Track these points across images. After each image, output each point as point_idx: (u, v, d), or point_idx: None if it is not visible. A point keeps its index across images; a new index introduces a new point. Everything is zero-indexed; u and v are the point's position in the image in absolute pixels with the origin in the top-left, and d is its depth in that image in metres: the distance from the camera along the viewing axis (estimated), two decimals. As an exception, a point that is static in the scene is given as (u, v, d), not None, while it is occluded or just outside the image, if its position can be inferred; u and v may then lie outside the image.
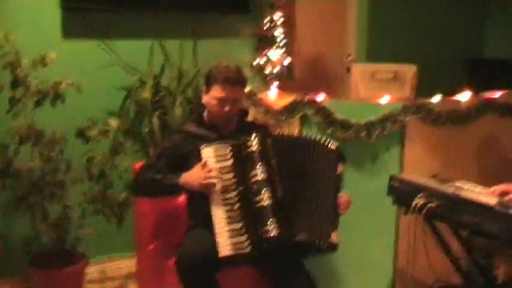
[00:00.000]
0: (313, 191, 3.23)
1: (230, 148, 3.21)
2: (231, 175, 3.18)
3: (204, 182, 3.15)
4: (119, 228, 4.08)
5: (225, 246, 3.09)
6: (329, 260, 3.78)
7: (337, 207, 3.26)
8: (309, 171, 3.25)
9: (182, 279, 3.18)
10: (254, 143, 3.17)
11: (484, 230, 2.98)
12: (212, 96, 3.38)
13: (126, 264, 4.65)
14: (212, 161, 3.19)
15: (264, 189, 3.13)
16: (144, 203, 3.72)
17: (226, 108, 3.36)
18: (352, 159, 3.89)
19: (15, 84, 3.80)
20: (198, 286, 3.18)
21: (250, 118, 4.02)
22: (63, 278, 3.98)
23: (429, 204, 3.22)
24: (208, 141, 3.29)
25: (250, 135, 3.20)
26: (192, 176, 3.21)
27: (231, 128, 3.49)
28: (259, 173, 3.14)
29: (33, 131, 3.85)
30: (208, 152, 3.20)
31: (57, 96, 3.86)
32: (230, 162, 3.19)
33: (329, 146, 3.31)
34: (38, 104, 3.85)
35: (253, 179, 3.14)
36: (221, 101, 3.36)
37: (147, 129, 4.40)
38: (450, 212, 3.15)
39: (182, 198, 3.61)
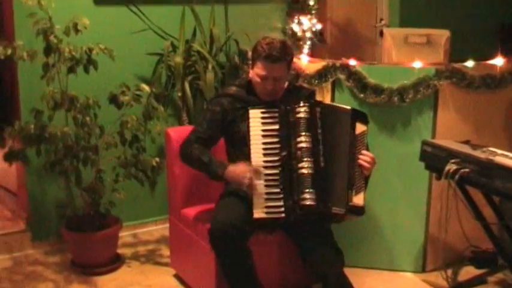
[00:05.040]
0: (340, 159, 3.21)
1: (278, 111, 3.21)
2: (275, 139, 3.19)
3: (248, 181, 3.13)
4: (151, 193, 4.11)
5: (260, 208, 3.12)
6: (360, 225, 3.78)
7: (357, 169, 3.22)
8: (338, 140, 3.23)
9: (214, 247, 3.21)
10: (303, 109, 3.17)
11: (516, 196, 2.98)
12: (256, 73, 3.33)
13: (159, 228, 4.72)
14: (258, 122, 3.20)
15: (307, 157, 3.13)
16: (176, 168, 3.73)
17: (269, 87, 3.31)
18: (384, 124, 3.89)
19: (48, 50, 3.81)
20: (230, 254, 3.22)
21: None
22: (96, 240, 4.04)
23: (462, 170, 3.21)
24: (257, 105, 3.30)
25: (299, 102, 3.20)
26: (238, 175, 3.19)
27: (278, 96, 3.42)
28: (304, 140, 3.14)
29: (67, 96, 3.89)
30: (255, 113, 3.22)
31: (90, 62, 3.88)
32: (276, 126, 3.20)
33: (344, 108, 3.30)
34: (71, 70, 3.88)
35: (298, 145, 3.15)
36: (263, 79, 3.31)
37: (179, 94, 4.41)
38: (483, 177, 3.14)
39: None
